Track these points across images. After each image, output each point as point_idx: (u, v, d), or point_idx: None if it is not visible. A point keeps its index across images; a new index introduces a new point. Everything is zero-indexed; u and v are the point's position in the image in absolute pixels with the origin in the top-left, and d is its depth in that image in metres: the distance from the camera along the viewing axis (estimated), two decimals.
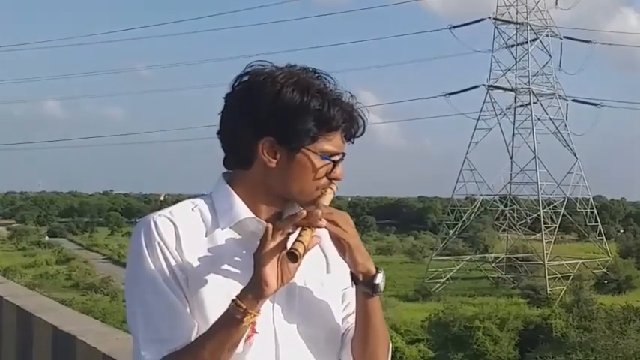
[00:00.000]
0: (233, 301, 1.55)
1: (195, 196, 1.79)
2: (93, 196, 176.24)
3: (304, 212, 1.60)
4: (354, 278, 1.73)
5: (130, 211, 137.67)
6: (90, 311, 31.31)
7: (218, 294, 1.63)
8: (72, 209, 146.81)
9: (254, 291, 1.56)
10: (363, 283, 1.71)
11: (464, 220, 69.66)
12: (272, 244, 1.56)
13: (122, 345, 3.58)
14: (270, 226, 1.57)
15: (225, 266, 1.67)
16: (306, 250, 1.57)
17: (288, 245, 1.57)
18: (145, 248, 1.64)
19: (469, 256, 70.31)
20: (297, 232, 1.60)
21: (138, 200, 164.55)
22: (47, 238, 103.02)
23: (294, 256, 1.55)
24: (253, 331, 1.62)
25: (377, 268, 1.72)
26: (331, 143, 1.70)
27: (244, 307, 1.54)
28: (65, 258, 78.16)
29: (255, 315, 1.56)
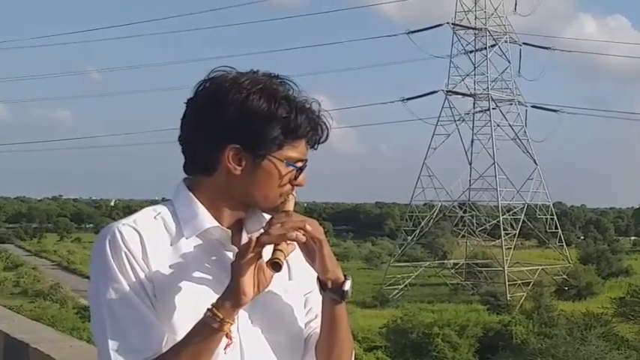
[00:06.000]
0: (209, 310, 1.57)
1: (151, 203, 1.80)
2: (41, 202, 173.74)
3: (292, 233, 1.60)
4: (323, 285, 1.74)
5: (80, 217, 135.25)
6: (39, 318, 30.31)
7: (185, 303, 1.65)
8: (20, 214, 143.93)
9: (231, 300, 1.58)
10: (332, 290, 1.73)
11: (422, 226, 69.28)
12: (251, 255, 1.57)
13: (76, 352, 3.57)
14: (253, 237, 1.58)
15: (192, 275, 1.67)
16: (285, 257, 1.60)
17: (264, 254, 1.60)
18: (111, 258, 1.63)
19: (428, 263, 69.95)
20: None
21: (88, 205, 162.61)
22: None
23: (278, 266, 1.58)
24: (230, 339, 1.64)
25: (345, 275, 1.74)
26: (296, 150, 1.71)
27: (221, 316, 1.57)
28: (13, 264, 76.18)
29: (231, 324, 1.59)
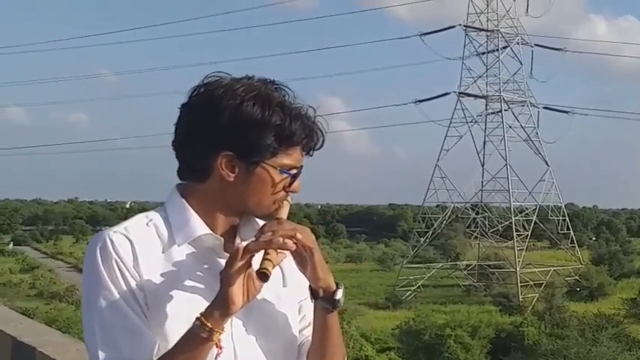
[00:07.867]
0: (198, 319, 1.55)
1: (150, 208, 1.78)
2: (58, 204, 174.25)
3: (280, 240, 1.58)
4: (314, 293, 1.73)
5: (95, 219, 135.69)
6: (54, 320, 31.00)
7: (177, 311, 1.63)
8: (36, 217, 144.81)
9: (220, 309, 1.56)
10: (323, 299, 1.73)
11: (435, 228, 69.29)
12: (240, 264, 1.55)
13: (82, 356, 3.40)
14: (241, 246, 1.56)
15: (183, 283, 1.66)
16: (273, 267, 1.58)
17: (254, 263, 1.59)
18: (101, 266, 1.61)
19: (440, 264, 69.96)
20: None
21: (103, 208, 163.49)
22: (12, 246, 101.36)
23: (265, 276, 1.57)
24: (220, 347, 1.61)
25: (337, 284, 1.73)
26: (290, 157, 1.69)
27: (210, 325, 1.55)
28: (29, 266, 76.72)
29: (220, 333, 1.57)
